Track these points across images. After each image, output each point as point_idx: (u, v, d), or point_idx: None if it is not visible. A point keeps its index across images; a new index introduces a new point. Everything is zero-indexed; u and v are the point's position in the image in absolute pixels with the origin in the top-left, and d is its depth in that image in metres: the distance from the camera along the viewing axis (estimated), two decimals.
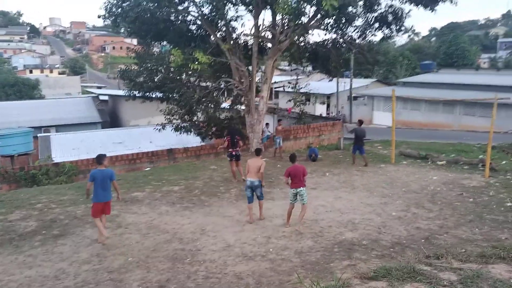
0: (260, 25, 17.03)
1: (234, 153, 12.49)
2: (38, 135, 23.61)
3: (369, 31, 17.99)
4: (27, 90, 48.27)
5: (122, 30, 23.22)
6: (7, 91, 46.03)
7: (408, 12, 16.94)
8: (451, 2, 15.84)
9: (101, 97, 38.35)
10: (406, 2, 16.41)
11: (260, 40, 17.54)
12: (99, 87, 62.08)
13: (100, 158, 8.18)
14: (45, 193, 11.80)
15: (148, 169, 16.30)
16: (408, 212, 9.58)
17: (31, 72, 76.40)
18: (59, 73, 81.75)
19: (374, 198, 10.76)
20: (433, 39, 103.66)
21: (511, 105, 29.25)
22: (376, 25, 17.58)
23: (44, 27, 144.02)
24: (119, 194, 8.49)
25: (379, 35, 18.18)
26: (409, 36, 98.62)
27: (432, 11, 16.42)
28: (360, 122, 15.87)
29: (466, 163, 14.75)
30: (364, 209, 9.75)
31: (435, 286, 3.87)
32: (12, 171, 15.01)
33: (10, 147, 19.28)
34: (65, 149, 21.03)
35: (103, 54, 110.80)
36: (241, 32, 18.15)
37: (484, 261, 4.61)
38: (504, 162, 14.72)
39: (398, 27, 17.58)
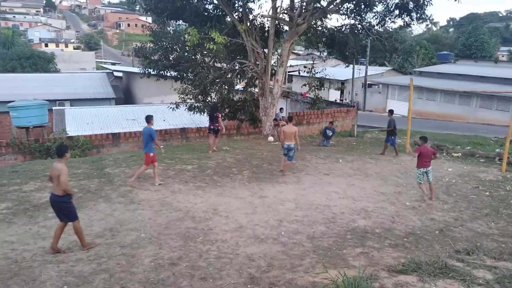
0: (278, 7, 16.74)
1: (212, 127, 13.87)
2: (53, 108, 23.74)
3: (389, 18, 17.58)
4: (42, 63, 48.41)
5: (137, 8, 23.01)
6: (23, 63, 46.23)
7: (430, 0, 16.48)
8: None
9: (116, 74, 38.30)
10: None
11: (277, 22, 17.25)
12: (114, 64, 62.11)
13: (149, 118, 10.19)
14: None
15: (161, 147, 16.32)
16: (422, 202, 9.48)
17: (46, 45, 76.60)
18: (74, 48, 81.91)
19: (388, 187, 10.65)
20: (451, 29, 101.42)
21: None
22: (396, 12, 17.15)
23: (60, 1, 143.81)
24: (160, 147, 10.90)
25: (398, 22, 17.77)
26: (427, 25, 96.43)
27: (455, 0, 15.94)
28: (391, 112, 15.46)
29: (482, 156, 14.51)
30: (377, 198, 9.67)
31: (469, 284, 3.71)
32: (27, 143, 15.14)
33: (26, 118, 19.42)
34: (79, 123, 21.16)
35: (118, 31, 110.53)
36: (258, 14, 17.79)
37: None
38: None
39: (418, 15, 17.13)
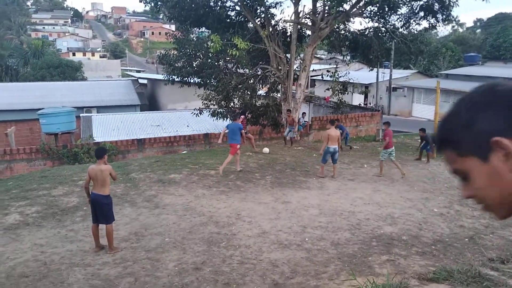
0: (300, 11, 16.71)
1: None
2: (81, 115, 24.36)
3: (414, 20, 17.30)
4: (70, 71, 49.81)
5: (161, 16, 23.43)
6: (52, 72, 47.68)
7: (456, 1, 16.11)
8: None
9: (141, 81, 39.03)
10: None
11: (299, 27, 17.23)
12: (138, 71, 63.33)
13: (236, 115, 12.59)
14: (87, 170, 12.15)
15: (184, 152, 16.52)
16: (450, 209, 9.21)
17: (74, 54, 78.90)
18: (100, 57, 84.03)
19: (415, 192, 10.41)
20: (478, 30, 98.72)
21: None
22: (421, 13, 16.86)
23: (87, 12, 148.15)
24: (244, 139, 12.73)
25: (423, 24, 17.45)
26: (453, 27, 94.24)
27: (483, 0, 15.53)
28: (422, 130, 14.76)
29: None
30: (404, 204, 9.46)
31: None
32: (55, 149, 15.59)
33: (54, 125, 20.01)
34: (106, 129, 21.63)
35: (142, 39, 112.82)
36: (280, 19, 17.86)
37: None
38: None
39: (444, 16, 16.77)
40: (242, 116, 14.25)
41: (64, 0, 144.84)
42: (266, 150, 15.33)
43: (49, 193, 10.00)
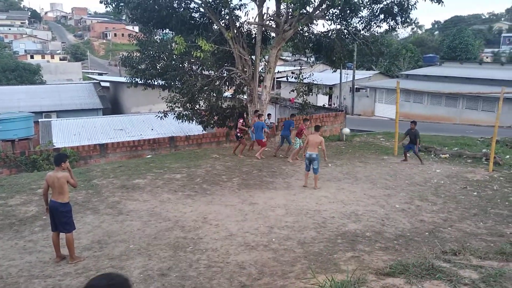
0: (264, 13, 16.79)
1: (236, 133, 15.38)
2: (39, 120, 23.49)
3: (374, 22, 17.73)
4: (28, 75, 47.91)
5: (124, 17, 22.95)
6: (8, 75, 45.69)
7: (414, 4, 16.68)
8: None
9: (103, 84, 38.02)
10: None
11: (264, 29, 17.32)
12: (101, 74, 61.70)
13: (260, 115, 14.37)
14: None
15: (149, 156, 16.22)
16: (411, 204, 9.53)
17: (32, 57, 75.85)
18: (60, 59, 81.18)
19: (378, 189, 10.70)
20: (436, 32, 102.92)
21: None
22: (382, 16, 17.32)
23: (46, 13, 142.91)
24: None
25: (383, 27, 17.96)
26: (412, 29, 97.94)
27: (439, 3, 16.15)
28: (414, 123, 14.13)
29: (469, 157, 14.68)
30: (367, 201, 9.69)
31: (455, 284, 3.72)
32: (12, 156, 14.91)
33: (11, 131, 19.16)
34: (66, 134, 20.93)
35: (104, 41, 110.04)
36: (245, 21, 17.84)
37: (505, 259, 4.47)
38: (507, 156, 14.64)
39: (403, 18, 17.31)
40: (241, 120, 15.21)
41: (21, 0, 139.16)
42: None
43: (5, 202, 9.56)
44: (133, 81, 18.14)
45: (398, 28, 17.95)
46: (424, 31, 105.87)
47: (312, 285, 4.82)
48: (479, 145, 17.30)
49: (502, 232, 7.79)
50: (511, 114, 29.90)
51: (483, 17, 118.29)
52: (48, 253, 6.90)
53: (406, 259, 4.54)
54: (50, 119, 24.71)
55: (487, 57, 73.51)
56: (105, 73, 65.77)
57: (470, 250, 4.78)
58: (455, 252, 4.44)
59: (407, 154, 14.20)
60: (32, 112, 21.89)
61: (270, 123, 19.15)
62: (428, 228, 7.99)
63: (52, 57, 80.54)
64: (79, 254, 6.84)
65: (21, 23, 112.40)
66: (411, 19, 17.75)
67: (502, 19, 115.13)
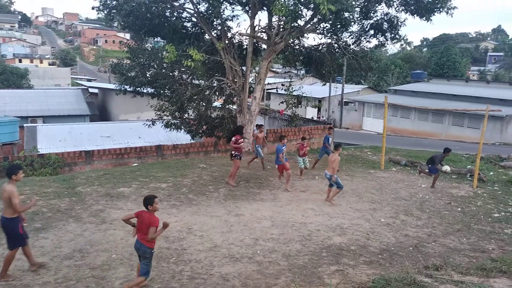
0: (256, 25, 16.90)
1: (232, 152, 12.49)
2: (24, 125, 23.13)
3: (364, 38, 17.97)
4: (15, 79, 47.39)
5: (115, 24, 22.93)
6: None
7: (403, 21, 16.98)
8: (447, 13, 15.89)
9: (91, 90, 37.74)
10: (402, 10, 16.43)
11: (255, 40, 17.43)
12: (90, 80, 61.33)
13: (281, 138, 12.27)
14: (29, 184, 11.52)
15: (135, 164, 16.07)
16: (396, 219, 9.57)
17: (20, 61, 75.08)
18: (49, 64, 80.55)
19: (363, 203, 10.73)
20: (425, 49, 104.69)
21: (499, 117, 29.77)
22: (371, 32, 17.57)
23: (36, 17, 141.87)
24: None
25: (373, 42, 18.20)
26: (401, 45, 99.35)
27: (427, 21, 16.44)
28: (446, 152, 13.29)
29: (454, 173, 14.84)
30: (353, 214, 9.71)
31: None
32: None
33: None
34: (52, 140, 20.63)
35: (95, 47, 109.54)
36: (237, 32, 17.91)
37: (485, 275, 4.52)
38: (491, 173, 14.85)
39: (392, 35, 17.58)
40: (237, 136, 12.21)
41: (11, 3, 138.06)
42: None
43: None
44: (122, 88, 18.02)
45: (387, 44, 18.23)
46: (412, 47, 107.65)
47: None
48: (464, 161, 17.51)
49: (484, 248, 7.87)
50: (496, 131, 30.50)
51: (470, 36, 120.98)
52: (27, 261, 6.73)
53: (389, 274, 4.54)
54: (35, 124, 24.37)
55: (473, 75, 75.02)
56: (94, 80, 65.37)
57: (451, 265, 4.82)
58: (437, 267, 4.47)
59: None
60: (18, 117, 21.59)
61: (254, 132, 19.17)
62: (412, 243, 8.03)
63: (41, 62, 79.91)
64: (59, 263, 6.70)
65: (11, 26, 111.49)
66: (400, 36, 18.05)
67: (488, 38, 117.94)
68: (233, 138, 12.17)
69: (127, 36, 67.20)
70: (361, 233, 8.47)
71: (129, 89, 18.10)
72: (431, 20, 16.27)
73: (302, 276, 6.34)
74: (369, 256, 7.26)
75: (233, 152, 12.12)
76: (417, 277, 4.09)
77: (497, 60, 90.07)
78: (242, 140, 12.37)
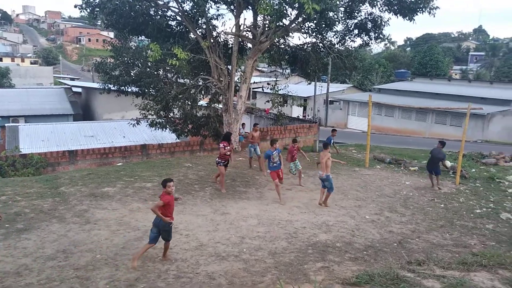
0: (241, 24, 16.90)
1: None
2: (6, 124, 22.70)
3: (349, 37, 18.14)
4: None
5: (99, 22, 22.64)
6: None
7: (387, 21, 17.18)
8: (429, 13, 16.13)
9: (74, 89, 37.22)
10: (385, 10, 16.62)
11: (240, 39, 17.42)
12: (73, 79, 60.43)
13: (273, 141, 11.14)
14: (11, 184, 11.31)
15: (120, 164, 15.91)
16: (381, 215, 9.69)
17: (1, 60, 73.52)
18: (31, 63, 79.06)
19: (349, 200, 10.83)
20: (408, 48, 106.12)
21: (480, 115, 30.36)
22: (356, 31, 17.75)
23: (17, 15, 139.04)
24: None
25: (358, 41, 18.39)
26: (385, 44, 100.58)
27: (410, 21, 16.67)
28: (442, 143, 13.18)
29: None
30: (338, 212, 9.79)
31: None
32: None
33: None
34: (34, 140, 20.26)
35: (78, 46, 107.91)
36: (222, 31, 17.89)
37: (466, 269, 4.62)
38: (473, 170, 15.14)
39: (376, 34, 17.79)
40: (224, 143, 11.40)
41: None
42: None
43: None
44: (106, 87, 17.81)
45: (372, 43, 18.44)
46: (396, 47, 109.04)
47: None
48: (446, 158, 17.80)
49: (466, 243, 8.03)
50: (477, 129, 31.10)
51: (453, 36, 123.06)
52: (9, 263, 6.62)
53: (372, 270, 4.60)
54: (17, 124, 23.91)
55: (455, 74, 76.35)
56: (78, 79, 64.44)
57: (434, 260, 4.91)
58: (420, 262, 4.55)
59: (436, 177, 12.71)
60: None
61: (245, 132, 19.20)
62: (397, 239, 8.14)
63: (23, 61, 78.34)
64: (42, 263, 6.59)
65: None
66: (384, 35, 18.29)
67: (470, 38, 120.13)
68: (221, 145, 11.39)
69: (111, 34, 66.49)
70: (346, 230, 8.55)
71: (113, 88, 17.90)
72: (414, 20, 16.50)
73: (288, 273, 6.37)
74: (354, 253, 7.33)
75: (217, 159, 11.34)
76: (400, 272, 4.17)
77: (478, 59, 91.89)
78: (229, 147, 11.49)
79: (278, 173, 10.66)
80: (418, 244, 7.90)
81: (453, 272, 4.44)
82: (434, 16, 16.24)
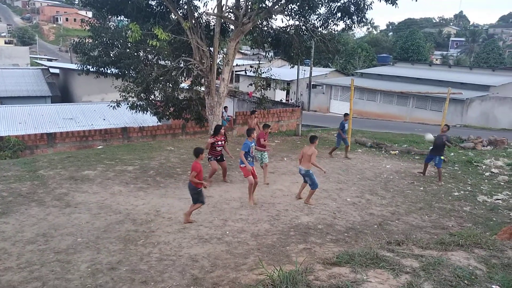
0: (223, 5, 16.60)
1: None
2: None
3: (332, 20, 18.04)
4: None
5: (76, 1, 21.94)
6: None
7: (370, 4, 17.14)
8: None
9: (52, 70, 36.15)
10: None
11: (223, 20, 17.14)
12: (50, 60, 58.75)
13: (249, 130, 9.56)
14: None
15: (100, 147, 15.66)
16: (362, 198, 9.84)
17: None
18: (6, 42, 76.24)
19: (330, 183, 10.96)
20: (390, 33, 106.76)
21: (460, 100, 30.92)
22: (339, 14, 17.63)
23: None
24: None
25: (340, 25, 18.33)
26: (368, 29, 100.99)
27: (393, 5, 16.66)
28: (447, 127, 12.48)
29: (417, 154, 15.37)
30: (320, 194, 9.89)
31: (398, 272, 3.94)
32: None
33: None
34: (11, 122, 19.69)
35: (55, 25, 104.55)
36: (204, 11, 17.51)
37: (444, 248, 4.76)
38: (452, 154, 15.47)
39: (359, 18, 17.71)
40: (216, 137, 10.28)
41: None
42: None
43: None
44: (85, 69, 17.32)
45: (354, 27, 18.37)
46: (379, 31, 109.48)
47: (261, 276, 4.87)
48: (426, 142, 18.13)
49: (444, 225, 8.25)
50: (457, 114, 31.72)
51: (434, 21, 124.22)
52: None
53: (353, 250, 4.70)
54: None
55: (436, 59, 77.31)
56: (55, 59, 62.67)
57: (412, 240, 5.03)
58: (399, 242, 4.67)
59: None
60: None
61: (228, 116, 19.09)
62: (377, 221, 8.30)
63: None
64: (22, 247, 6.48)
65: None
66: (367, 19, 18.25)
67: (451, 23, 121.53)
68: (210, 140, 10.35)
69: (89, 14, 64.60)
70: (328, 213, 8.66)
71: (92, 70, 17.42)
72: (396, 4, 16.49)
73: (271, 255, 6.44)
74: (336, 235, 7.45)
75: (208, 155, 10.23)
76: (379, 252, 4.26)
77: (458, 45, 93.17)
78: (222, 141, 10.45)
79: (245, 171, 9.05)
80: (398, 226, 8.08)
81: (431, 252, 4.56)
82: (416, 1, 16.25)
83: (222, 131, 10.54)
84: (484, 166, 13.54)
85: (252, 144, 9.34)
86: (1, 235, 6.98)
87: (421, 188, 10.98)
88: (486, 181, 11.94)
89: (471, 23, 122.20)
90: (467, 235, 5.20)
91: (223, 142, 10.46)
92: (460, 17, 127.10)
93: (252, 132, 9.54)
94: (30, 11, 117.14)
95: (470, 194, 10.67)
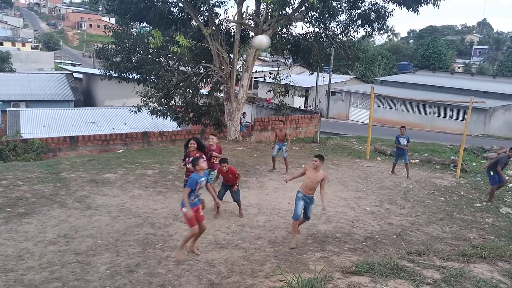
0: (243, 12, 16.77)
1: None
2: (7, 109, 22.67)
3: (352, 28, 18.04)
4: None
5: (100, 8, 22.49)
6: None
7: (391, 12, 17.06)
8: (434, 5, 16.01)
9: (75, 75, 37.09)
10: (389, 1, 16.50)
11: (243, 27, 17.30)
12: (74, 65, 60.16)
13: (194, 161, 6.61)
14: (12, 169, 11.32)
15: (121, 151, 15.92)
16: (381, 207, 9.71)
17: (1, 44, 73.11)
18: (32, 48, 78.54)
19: (349, 192, 10.85)
20: (411, 40, 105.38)
21: (482, 109, 30.29)
22: (359, 22, 17.63)
23: None
24: None
25: (361, 32, 18.27)
26: (388, 36, 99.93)
27: (414, 12, 16.55)
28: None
29: (438, 163, 15.10)
30: (338, 203, 9.81)
31: (418, 283, 3.87)
32: None
33: None
34: (35, 125, 20.27)
35: (79, 31, 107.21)
36: (224, 18, 17.76)
37: (466, 260, 4.66)
38: (474, 164, 15.15)
39: (380, 25, 17.67)
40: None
41: None
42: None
43: None
44: (107, 74, 17.76)
45: (375, 34, 18.34)
46: (399, 38, 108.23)
47: (279, 282, 4.85)
48: (447, 152, 17.82)
49: (466, 237, 8.06)
50: (479, 123, 31.07)
51: (456, 29, 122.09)
52: (10, 246, 6.66)
53: (372, 259, 4.64)
54: (18, 109, 23.86)
55: (458, 67, 75.89)
56: (79, 64, 64.13)
57: (433, 251, 4.94)
58: (420, 253, 4.58)
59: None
60: (0, 101, 21.08)
61: (246, 122, 19.18)
62: (396, 231, 8.17)
63: (23, 45, 77.83)
64: (43, 248, 6.63)
65: None
66: (388, 26, 18.17)
67: (474, 31, 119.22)
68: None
69: (112, 20, 65.98)
70: (346, 221, 8.58)
71: (114, 75, 17.84)
72: (418, 11, 16.38)
73: (288, 262, 6.41)
74: (354, 244, 7.37)
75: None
76: (399, 262, 4.19)
77: (481, 53, 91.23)
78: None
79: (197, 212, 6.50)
80: (418, 237, 7.94)
81: (453, 263, 4.47)
82: (438, 8, 16.11)
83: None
84: (507, 177, 13.20)
85: (202, 179, 6.50)
86: (24, 235, 7.15)
87: (442, 199, 10.77)
88: (510, 192, 11.64)
89: (494, 31, 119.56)
90: (490, 247, 5.08)
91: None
92: (483, 25, 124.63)
93: (199, 161, 6.45)
94: (55, 17, 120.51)
95: (493, 205, 10.41)
